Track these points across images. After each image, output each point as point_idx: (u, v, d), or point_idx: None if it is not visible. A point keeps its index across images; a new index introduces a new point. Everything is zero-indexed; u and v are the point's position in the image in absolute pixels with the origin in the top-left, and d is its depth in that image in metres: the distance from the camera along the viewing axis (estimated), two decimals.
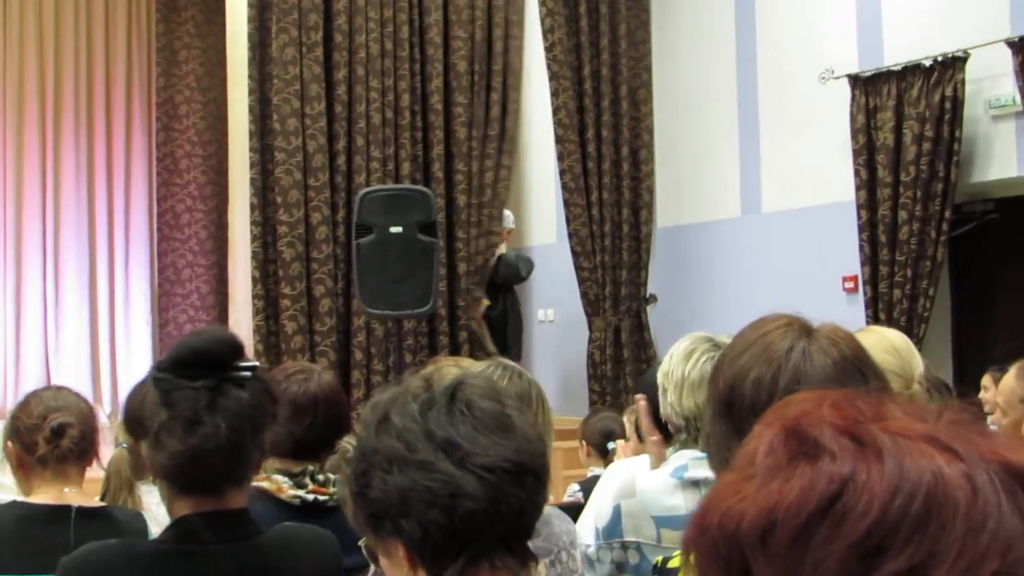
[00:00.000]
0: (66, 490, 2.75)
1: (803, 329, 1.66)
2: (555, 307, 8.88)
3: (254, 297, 7.29)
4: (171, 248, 9.53)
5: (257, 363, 2.02)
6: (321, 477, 2.86)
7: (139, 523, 2.84)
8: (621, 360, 8.03)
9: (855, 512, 0.64)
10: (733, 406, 1.57)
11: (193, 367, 1.92)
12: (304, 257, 7.44)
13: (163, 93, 9.72)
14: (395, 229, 6.92)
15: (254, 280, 7.30)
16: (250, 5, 7.62)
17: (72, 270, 9.59)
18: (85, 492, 2.82)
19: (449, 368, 2.30)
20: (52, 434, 2.74)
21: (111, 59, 9.87)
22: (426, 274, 6.99)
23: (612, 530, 2.55)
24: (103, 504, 2.86)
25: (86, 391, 9.06)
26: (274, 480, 2.77)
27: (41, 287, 9.51)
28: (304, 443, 2.82)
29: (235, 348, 1.98)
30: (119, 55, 9.89)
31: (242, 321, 7.38)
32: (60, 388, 3.02)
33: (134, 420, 2.03)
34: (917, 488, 0.63)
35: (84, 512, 2.69)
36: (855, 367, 1.63)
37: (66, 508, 2.68)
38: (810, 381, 1.57)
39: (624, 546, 2.53)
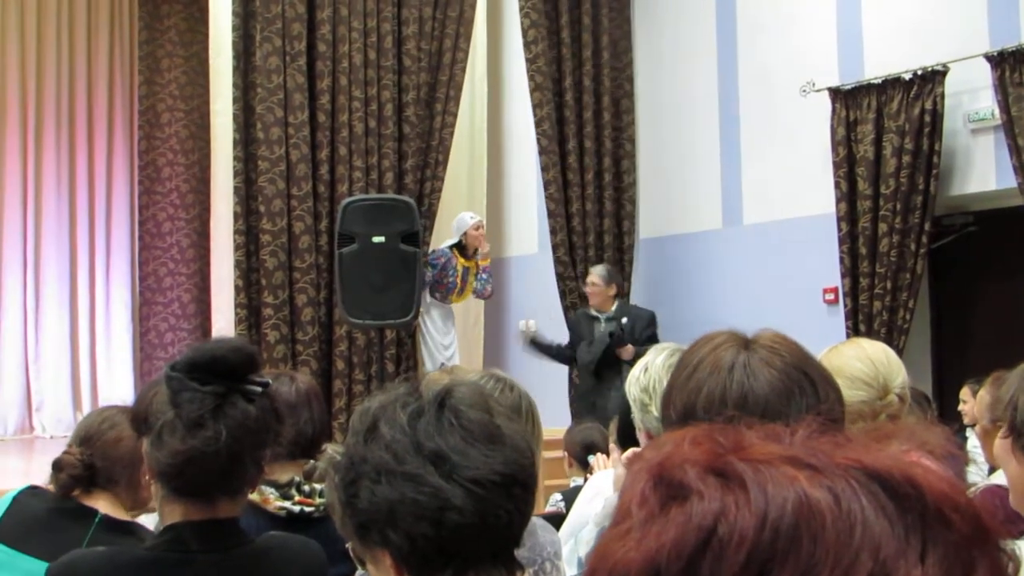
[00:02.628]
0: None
1: (741, 343, 1.66)
2: (536, 318, 8.90)
3: (237, 306, 7.28)
4: (153, 256, 9.51)
5: (269, 380, 2.02)
6: (307, 488, 2.87)
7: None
8: None
9: (731, 544, 0.67)
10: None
11: (206, 372, 1.94)
12: (287, 266, 7.44)
13: (145, 101, 9.71)
14: (377, 239, 6.93)
15: (237, 289, 7.30)
16: (234, 14, 7.62)
17: (53, 278, 9.55)
18: None
19: (439, 376, 2.32)
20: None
21: (93, 66, 9.85)
22: (408, 284, 7.00)
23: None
24: (131, 520, 2.87)
25: (66, 399, 9.08)
26: (261, 491, 2.78)
27: (21, 295, 9.47)
28: (299, 441, 2.84)
29: (251, 361, 2.00)
30: (101, 62, 9.87)
31: (224, 330, 7.37)
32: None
33: (139, 416, 2.04)
34: (783, 510, 0.67)
35: (108, 521, 2.71)
36: (800, 372, 1.63)
37: (92, 511, 2.70)
38: (757, 395, 1.59)
39: None
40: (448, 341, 7.85)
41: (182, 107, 9.60)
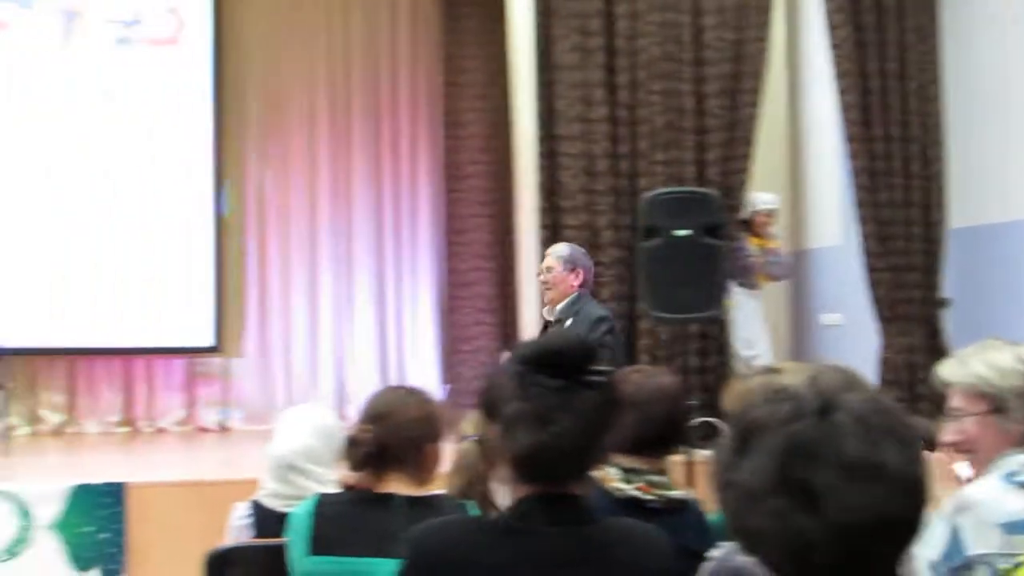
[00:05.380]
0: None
1: None
2: (840, 311, 8.65)
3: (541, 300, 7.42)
4: (456, 252, 9.80)
5: (609, 369, 2.08)
6: (650, 478, 2.90)
7: (463, 512, 2.94)
8: (915, 366, 7.74)
9: None
10: None
11: (551, 365, 2.02)
12: None
13: (448, 101, 10.00)
14: (681, 232, 6.89)
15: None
16: (534, 13, 7.77)
17: (363, 275, 9.99)
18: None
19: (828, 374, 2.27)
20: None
21: (396, 70, 10.23)
22: (713, 277, 6.94)
23: (951, 552, 2.43)
24: (432, 494, 2.97)
25: (375, 390, 9.47)
26: (603, 469, 2.84)
27: (334, 290, 9.96)
28: (642, 440, 2.88)
29: (589, 353, 2.07)
30: (403, 66, 10.25)
31: (531, 323, 7.52)
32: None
33: (490, 403, 2.13)
34: None
35: (409, 500, 2.80)
36: None
37: (389, 495, 2.80)
38: None
39: (968, 565, 2.43)
40: (756, 335, 7.76)
41: (482, 106, 9.83)
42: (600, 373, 2.04)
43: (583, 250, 6.12)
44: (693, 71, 7.99)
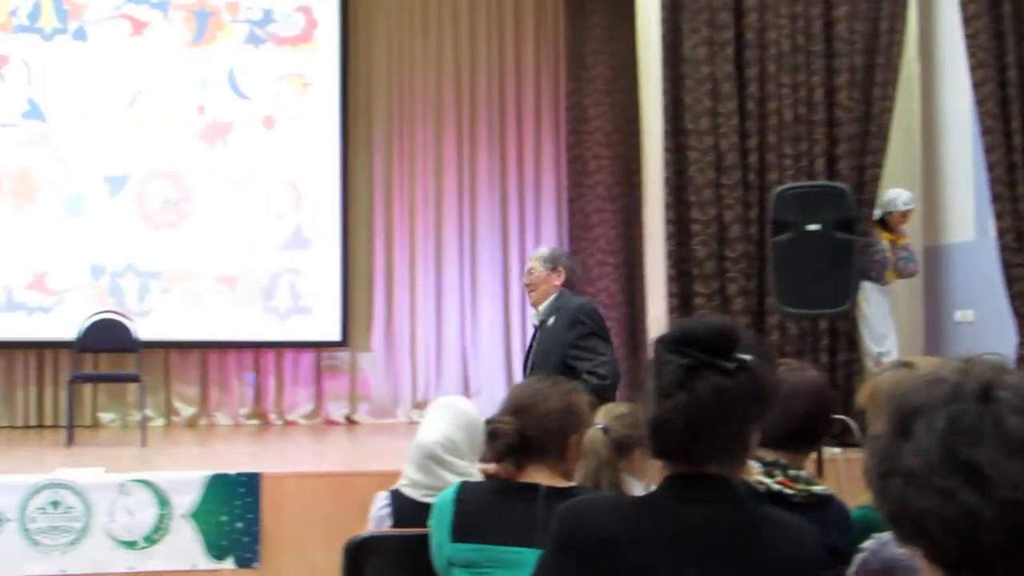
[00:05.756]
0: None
1: None
2: (974, 308, 8.43)
3: (669, 295, 7.39)
4: (581, 248, 9.79)
5: (752, 358, 2.04)
6: (793, 472, 2.86)
7: None
8: None
9: None
10: None
11: (682, 344, 2.03)
12: (718, 255, 7.47)
13: (572, 97, 10.00)
14: (811, 227, 6.79)
15: (669, 278, 7.41)
16: (663, 7, 7.72)
17: (487, 269, 10.06)
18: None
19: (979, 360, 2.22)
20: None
21: (521, 67, 10.29)
22: (844, 272, 6.82)
23: None
24: (573, 484, 2.97)
25: (500, 385, 9.52)
26: (746, 464, 2.81)
27: (459, 286, 10.04)
28: (785, 434, 2.84)
29: (727, 338, 2.04)
30: (528, 63, 10.29)
31: (658, 318, 7.49)
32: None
33: (639, 383, 2.16)
34: None
35: (553, 491, 2.80)
36: None
37: (534, 485, 2.81)
38: None
39: None
40: (886, 331, 7.61)
41: (607, 101, 9.80)
42: (739, 361, 2.02)
43: (565, 251, 6.04)
44: (824, 63, 7.87)
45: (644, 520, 2.06)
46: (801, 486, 2.88)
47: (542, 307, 5.69)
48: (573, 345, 5.42)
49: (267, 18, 9.63)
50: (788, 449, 2.93)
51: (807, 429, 2.97)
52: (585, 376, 5.24)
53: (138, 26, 9.37)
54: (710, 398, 1.99)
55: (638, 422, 3.34)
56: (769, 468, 2.87)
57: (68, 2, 9.25)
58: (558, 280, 5.70)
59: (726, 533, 2.04)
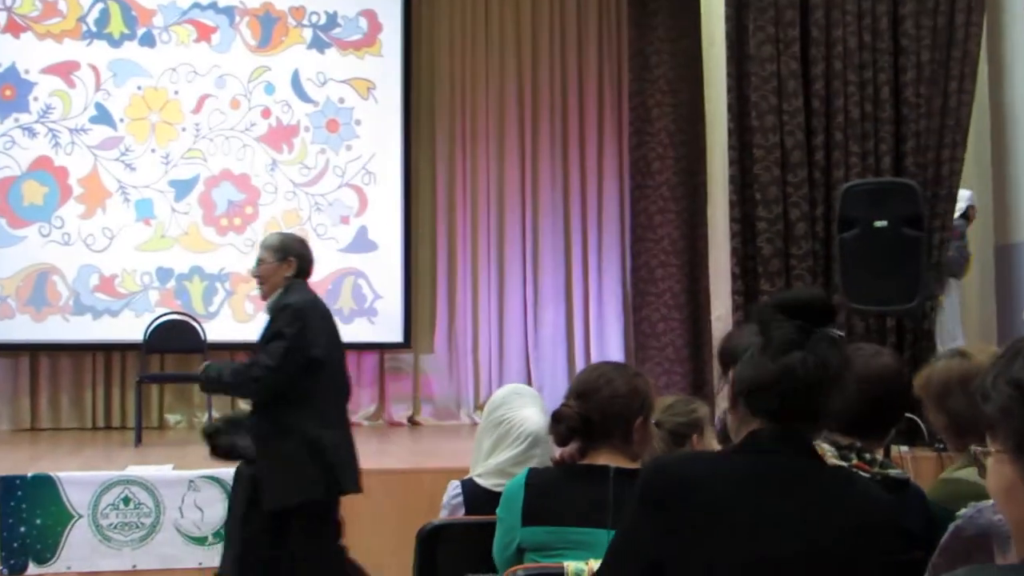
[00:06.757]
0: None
1: None
2: None
3: (734, 293, 7.34)
4: (644, 248, 9.76)
5: (842, 334, 2.17)
6: (868, 456, 2.82)
7: None
8: None
9: None
10: None
11: (792, 309, 2.14)
12: (783, 253, 7.40)
13: (635, 98, 9.98)
14: (879, 223, 6.72)
15: (733, 276, 7.36)
16: (727, 5, 7.68)
17: (549, 271, 10.06)
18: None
19: None
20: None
21: (583, 68, 10.29)
22: (912, 269, 6.73)
23: None
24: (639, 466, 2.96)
25: (562, 387, 9.50)
26: (819, 445, 2.79)
27: (521, 287, 10.04)
28: (861, 418, 2.81)
29: (829, 310, 2.17)
30: (591, 64, 10.29)
31: (723, 317, 7.45)
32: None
33: (726, 351, 2.27)
34: None
35: (622, 471, 2.79)
36: None
37: (603, 467, 2.80)
38: None
39: None
40: (958, 328, 7.52)
41: (670, 101, 9.78)
42: (835, 334, 2.13)
43: (301, 238, 5.33)
44: (890, 60, 7.78)
45: (726, 464, 2.15)
46: (877, 469, 2.84)
47: (269, 301, 5.07)
48: (269, 340, 4.87)
49: (331, 22, 9.71)
50: (861, 434, 2.90)
51: (879, 414, 2.94)
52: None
53: (204, 31, 9.49)
54: (826, 358, 2.10)
55: (690, 409, 3.34)
56: (844, 452, 2.83)
57: (136, 8, 9.39)
58: (289, 271, 5.07)
59: (808, 484, 2.11)
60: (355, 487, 5.02)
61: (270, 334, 4.90)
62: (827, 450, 2.83)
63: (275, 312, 4.96)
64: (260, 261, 5.11)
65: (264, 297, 5.12)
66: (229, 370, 5.18)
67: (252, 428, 5.00)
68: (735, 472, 2.10)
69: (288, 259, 5.06)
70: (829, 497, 2.11)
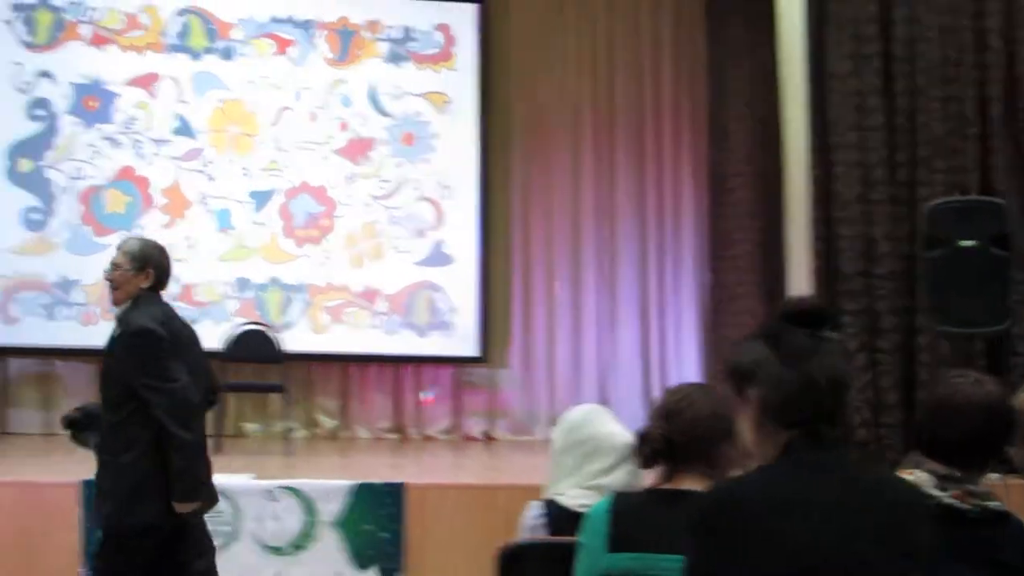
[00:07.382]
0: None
1: None
2: None
3: None
4: (722, 266, 9.67)
5: (841, 336, 2.24)
6: (969, 486, 2.75)
7: None
8: None
9: None
10: None
11: (796, 317, 2.19)
12: (865, 272, 7.30)
13: (712, 113, 9.90)
14: (966, 242, 6.61)
15: (814, 296, 7.26)
16: (807, 21, 7.60)
17: (626, 287, 10.00)
18: None
19: None
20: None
21: (659, 83, 10.22)
22: (1000, 290, 6.62)
23: None
24: None
25: (638, 404, 9.45)
26: (916, 475, 2.74)
27: (596, 302, 9.99)
28: (961, 448, 2.75)
29: (828, 315, 2.22)
30: (666, 79, 10.22)
31: None
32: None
33: (736, 371, 2.24)
34: None
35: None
36: None
37: (684, 491, 2.77)
38: None
39: None
40: None
41: (747, 116, 9.68)
42: (831, 338, 2.18)
43: (162, 247, 4.89)
44: (976, 76, 7.64)
45: (767, 478, 2.15)
46: (976, 501, 2.77)
47: (118, 312, 4.71)
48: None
49: (407, 36, 9.75)
50: (958, 464, 2.84)
51: (981, 445, 2.87)
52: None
53: (283, 44, 9.58)
54: (837, 359, 2.16)
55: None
56: (943, 482, 2.77)
57: (216, 22, 9.50)
58: (145, 283, 4.67)
59: (849, 488, 2.13)
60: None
61: (140, 373, 4.44)
62: (924, 479, 2.77)
63: (128, 334, 4.53)
64: (116, 266, 4.68)
65: (115, 303, 4.72)
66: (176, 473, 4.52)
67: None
68: (779, 486, 2.12)
69: (147, 270, 4.67)
70: (870, 498, 2.14)
